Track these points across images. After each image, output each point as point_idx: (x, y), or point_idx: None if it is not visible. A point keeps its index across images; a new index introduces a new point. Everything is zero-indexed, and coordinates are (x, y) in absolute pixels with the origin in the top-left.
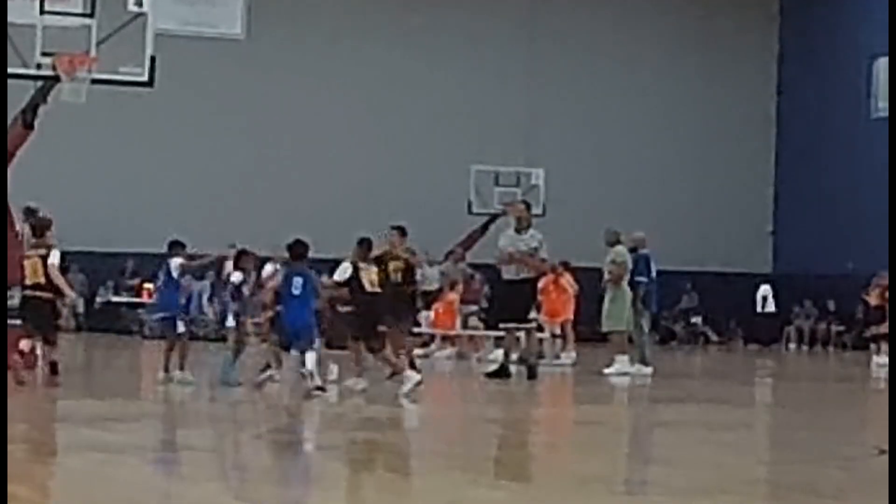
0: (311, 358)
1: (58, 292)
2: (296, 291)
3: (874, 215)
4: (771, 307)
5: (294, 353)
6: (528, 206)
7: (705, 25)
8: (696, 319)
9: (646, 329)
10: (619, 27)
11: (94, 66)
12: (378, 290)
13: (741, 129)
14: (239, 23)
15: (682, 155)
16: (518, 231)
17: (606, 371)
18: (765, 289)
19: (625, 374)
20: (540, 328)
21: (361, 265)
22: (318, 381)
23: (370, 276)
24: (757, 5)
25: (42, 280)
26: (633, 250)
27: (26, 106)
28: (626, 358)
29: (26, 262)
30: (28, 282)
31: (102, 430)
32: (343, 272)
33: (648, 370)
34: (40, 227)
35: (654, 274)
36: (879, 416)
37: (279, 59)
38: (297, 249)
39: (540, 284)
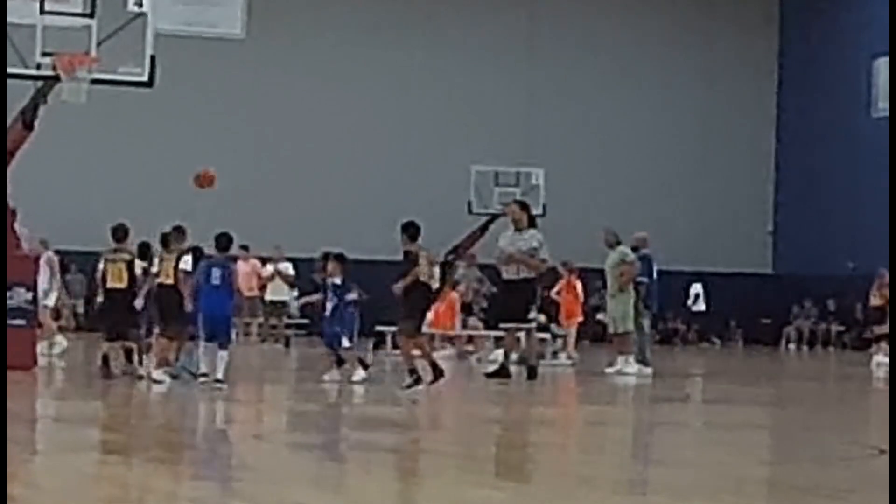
0: (224, 356)
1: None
2: (215, 282)
3: (874, 215)
4: (701, 306)
5: (209, 344)
6: (525, 207)
7: (705, 25)
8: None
9: (646, 329)
10: (620, 27)
11: (94, 66)
12: (121, 285)
13: (741, 129)
14: (239, 23)
15: (682, 155)
16: (518, 231)
17: (607, 371)
18: (696, 287)
19: (625, 374)
20: (542, 328)
21: (110, 256)
22: (220, 375)
23: (116, 272)
24: (757, 5)
25: (124, 284)
26: (634, 250)
27: (26, 106)
28: (625, 358)
29: (110, 267)
30: (109, 285)
31: (102, 430)
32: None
33: (648, 370)
34: (123, 232)
35: (654, 274)
36: (879, 416)
37: (279, 59)
38: (223, 241)
39: (557, 286)
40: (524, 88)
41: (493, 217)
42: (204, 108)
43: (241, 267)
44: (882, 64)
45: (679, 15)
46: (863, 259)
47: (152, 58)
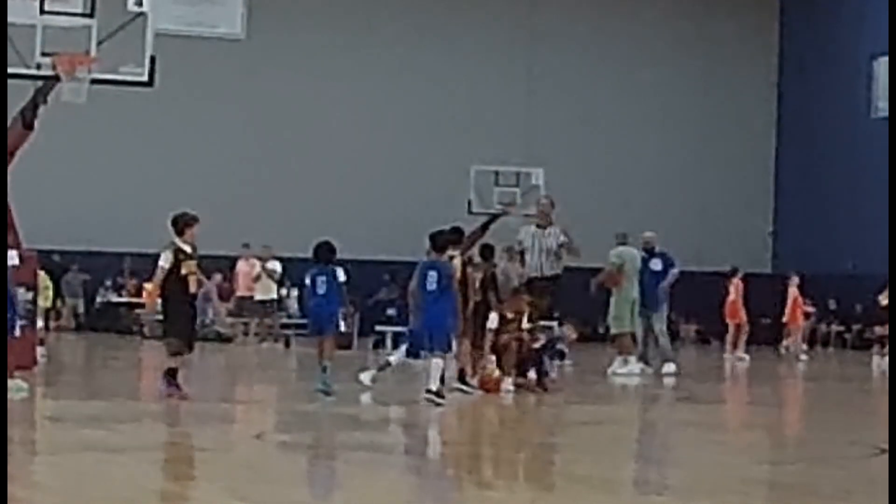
0: (437, 365)
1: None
2: (430, 287)
3: (874, 215)
4: None
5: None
6: (552, 203)
7: (705, 25)
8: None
9: (655, 329)
10: (620, 27)
11: (94, 66)
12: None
13: (741, 128)
14: (239, 23)
15: (682, 155)
16: (541, 227)
17: (607, 371)
18: None
19: (624, 374)
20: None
21: None
22: (434, 387)
23: None
24: (757, 6)
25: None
26: (649, 251)
27: (26, 106)
28: (623, 358)
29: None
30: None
31: (102, 430)
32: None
33: (649, 370)
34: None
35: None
36: (879, 416)
37: (279, 59)
38: (439, 240)
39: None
40: (524, 88)
41: (494, 217)
42: (204, 108)
43: (242, 266)
44: (882, 64)
45: (679, 15)
46: (863, 259)
47: (152, 58)
